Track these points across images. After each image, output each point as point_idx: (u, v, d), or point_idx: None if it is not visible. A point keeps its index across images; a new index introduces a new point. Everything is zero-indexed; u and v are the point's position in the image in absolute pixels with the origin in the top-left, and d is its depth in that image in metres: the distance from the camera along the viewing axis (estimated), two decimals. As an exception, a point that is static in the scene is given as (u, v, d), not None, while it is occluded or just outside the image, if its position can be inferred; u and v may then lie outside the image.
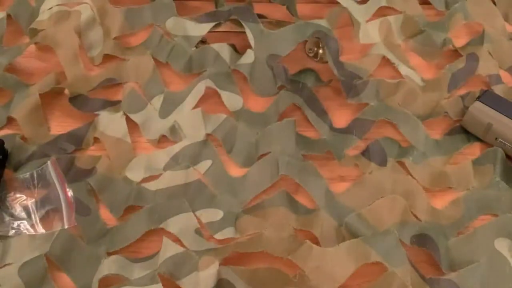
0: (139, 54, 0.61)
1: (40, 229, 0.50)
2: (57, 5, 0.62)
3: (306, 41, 0.62)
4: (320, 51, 0.62)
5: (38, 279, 0.47)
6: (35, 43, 0.62)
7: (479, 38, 0.64)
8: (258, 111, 0.59)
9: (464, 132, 0.58)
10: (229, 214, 0.52)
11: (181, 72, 0.61)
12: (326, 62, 0.61)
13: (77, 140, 0.56)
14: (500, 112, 0.55)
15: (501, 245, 0.49)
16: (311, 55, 0.63)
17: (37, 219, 0.51)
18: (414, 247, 0.50)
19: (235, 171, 0.55)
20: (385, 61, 0.62)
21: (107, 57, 0.62)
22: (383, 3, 0.65)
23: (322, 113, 0.59)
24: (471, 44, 0.64)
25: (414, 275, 0.47)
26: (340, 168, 0.55)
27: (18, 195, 0.52)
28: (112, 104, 0.58)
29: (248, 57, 0.60)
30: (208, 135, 0.56)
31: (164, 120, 0.58)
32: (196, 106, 0.58)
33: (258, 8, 0.63)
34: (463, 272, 0.48)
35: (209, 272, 0.46)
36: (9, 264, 0.48)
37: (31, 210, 0.51)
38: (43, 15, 0.62)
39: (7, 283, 0.46)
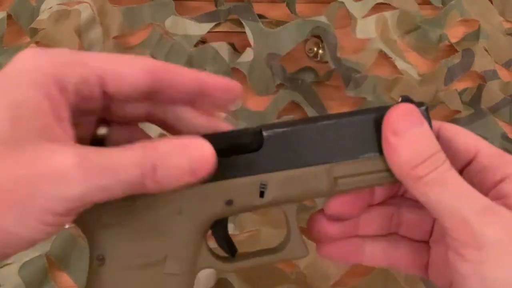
0: (139, 53, 0.61)
1: (41, 229, 0.50)
2: (57, 4, 0.62)
3: (306, 40, 0.62)
4: (320, 51, 0.62)
5: (38, 279, 0.47)
6: (36, 43, 0.62)
7: (475, 34, 0.64)
8: (257, 110, 0.59)
9: (460, 125, 0.58)
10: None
11: (180, 71, 0.61)
12: (326, 62, 0.61)
13: (77, 139, 0.56)
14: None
15: None
16: (311, 55, 0.63)
17: (38, 218, 0.51)
18: None
19: (234, 169, 0.55)
20: (382, 56, 0.62)
21: (106, 57, 0.62)
22: (380, 0, 0.65)
23: (321, 110, 0.59)
24: (466, 40, 0.64)
25: None
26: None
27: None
28: (112, 104, 0.58)
29: (247, 55, 0.60)
30: (207, 133, 0.56)
31: (163, 119, 0.58)
32: (195, 105, 0.58)
33: (258, 8, 0.63)
34: None
35: (208, 271, 0.47)
36: (9, 263, 0.48)
37: (31, 210, 0.51)
38: (43, 14, 0.62)
39: (7, 282, 0.47)
